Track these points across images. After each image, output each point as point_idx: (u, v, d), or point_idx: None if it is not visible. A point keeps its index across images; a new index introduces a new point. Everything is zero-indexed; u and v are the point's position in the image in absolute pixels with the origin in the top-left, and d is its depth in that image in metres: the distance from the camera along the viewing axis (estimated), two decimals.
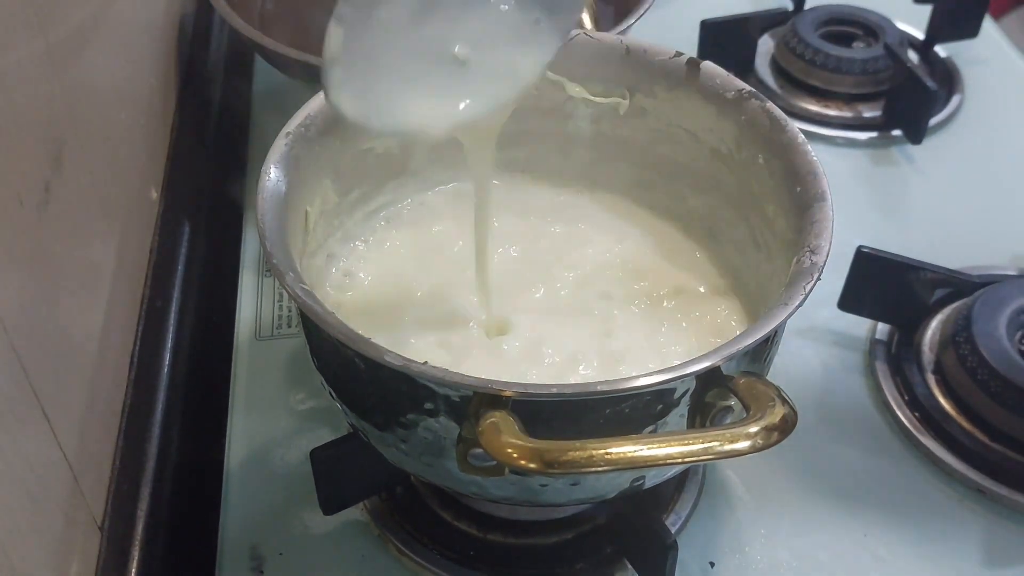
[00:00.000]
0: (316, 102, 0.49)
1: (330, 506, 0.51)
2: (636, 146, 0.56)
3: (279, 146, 0.47)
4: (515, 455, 0.35)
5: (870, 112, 0.82)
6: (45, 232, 0.46)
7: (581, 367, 0.48)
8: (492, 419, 0.37)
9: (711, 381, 0.40)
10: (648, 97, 0.54)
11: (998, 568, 0.53)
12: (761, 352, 0.43)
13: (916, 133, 0.78)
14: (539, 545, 0.53)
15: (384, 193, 0.56)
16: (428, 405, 0.40)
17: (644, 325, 0.51)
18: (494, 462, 0.38)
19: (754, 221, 0.51)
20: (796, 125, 0.49)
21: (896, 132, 0.80)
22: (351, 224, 0.54)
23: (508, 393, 0.37)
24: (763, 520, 0.55)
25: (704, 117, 0.52)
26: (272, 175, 0.46)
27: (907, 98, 0.79)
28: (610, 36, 0.54)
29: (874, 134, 0.80)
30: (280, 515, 0.54)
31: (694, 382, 0.40)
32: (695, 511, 0.54)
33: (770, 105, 0.50)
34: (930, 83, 0.77)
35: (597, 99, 0.55)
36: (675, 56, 0.52)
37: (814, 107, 0.82)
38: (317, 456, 0.49)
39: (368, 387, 0.43)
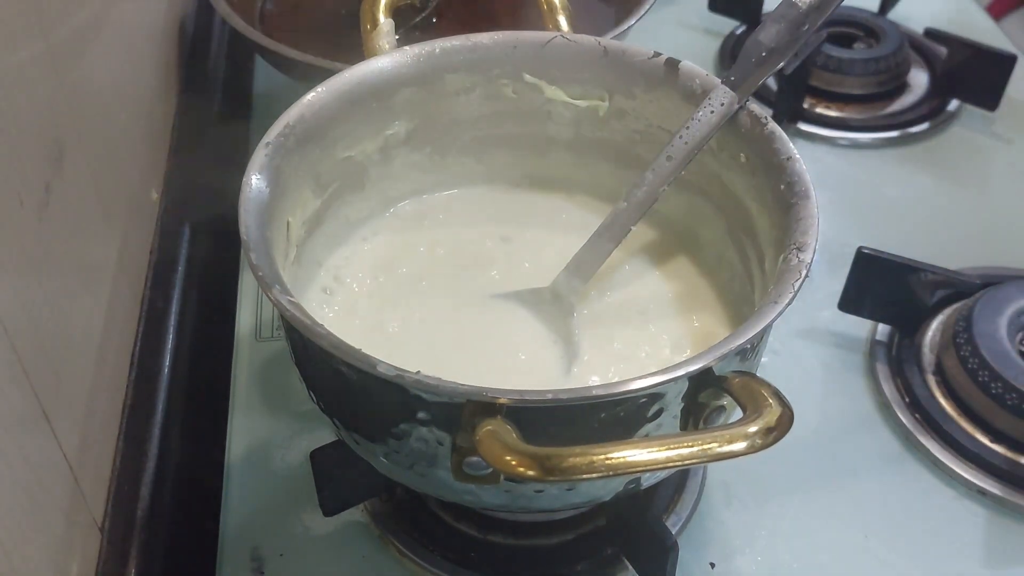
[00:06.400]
0: (294, 110, 0.48)
1: (330, 507, 0.51)
2: (616, 148, 0.55)
3: (259, 156, 0.46)
4: (514, 463, 0.35)
5: (871, 113, 0.82)
6: (45, 232, 0.46)
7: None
8: (488, 427, 0.36)
9: (704, 382, 0.40)
10: (627, 98, 0.53)
11: (998, 568, 0.53)
12: (751, 351, 0.43)
13: (916, 133, 0.78)
14: (540, 546, 0.53)
15: (366, 200, 0.55)
16: (421, 415, 0.39)
17: (618, 331, 0.51)
18: (490, 470, 0.38)
19: (737, 220, 0.51)
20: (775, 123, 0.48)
21: (896, 133, 0.80)
22: (334, 232, 0.54)
23: (503, 400, 0.37)
24: (764, 521, 0.55)
25: (684, 117, 0.51)
26: (254, 185, 0.45)
27: (907, 99, 0.79)
28: (587, 38, 0.53)
29: (875, 135, 0.80)
30: (280, 516, 0.54)
31: (687, 383, 0.39)
32: (696, 512, 0.54)
33: (751, 103, 0.49)
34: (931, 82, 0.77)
35: (576, 102, 0.55)
36: (653, 57, 0.52)
37: (815, 108, 0.82)
38: (317, 457, 0.49)
39: (359, 398, 0.42)
